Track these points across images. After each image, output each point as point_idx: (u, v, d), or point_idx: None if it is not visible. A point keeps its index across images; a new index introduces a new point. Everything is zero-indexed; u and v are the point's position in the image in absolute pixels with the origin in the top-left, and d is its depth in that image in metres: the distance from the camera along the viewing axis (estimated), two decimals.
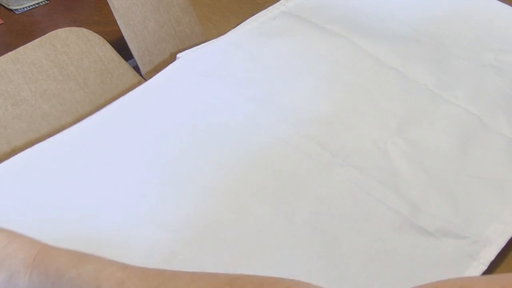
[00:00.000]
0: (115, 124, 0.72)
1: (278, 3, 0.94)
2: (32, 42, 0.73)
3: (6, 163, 0.67)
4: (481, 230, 0.63)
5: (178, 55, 0.82)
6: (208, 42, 0.85)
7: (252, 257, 0.60)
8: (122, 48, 0.80)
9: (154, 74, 0.80)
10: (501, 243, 0.62)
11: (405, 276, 0.59)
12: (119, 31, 0.79)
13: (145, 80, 0.81)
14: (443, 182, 0.68)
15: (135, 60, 0.81)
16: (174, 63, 0.81)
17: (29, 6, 0.98)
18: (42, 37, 0.74)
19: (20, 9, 0.97)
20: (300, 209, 0.65)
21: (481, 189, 0.68)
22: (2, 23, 0.95)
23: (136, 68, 0.81)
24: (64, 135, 0.70)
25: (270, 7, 0.93)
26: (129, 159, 0.69)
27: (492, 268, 0.61)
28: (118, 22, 0.79)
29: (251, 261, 0.60)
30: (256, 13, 0.92)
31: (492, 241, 0.62)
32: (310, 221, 0.63)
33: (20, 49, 0.72)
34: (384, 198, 0.66)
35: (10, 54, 0.72)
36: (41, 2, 0.99)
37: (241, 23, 0.90)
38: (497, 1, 0.95)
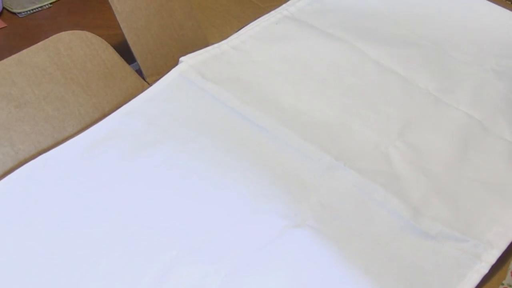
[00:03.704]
0: (117, 132, 0.73)
1: (280, 7, 0.94)
2: (35, 45, 0.74)
3: (11, 175, 0.67)
4: (483, 234, 0.64)
5: (180, 59, 0.82)
6: (211, 46, 0.85)
7: (253, 263, 0.60)
8: (125, 52, 0.80)
9: (157, 78, 0.80)
10: (502, 246, 0.63)
11: (406, 280, 0.60)
12: (122, 34, 0.80)
13: (148, 83, 0.81)
14: (444, 186, 0.69)
15: (138, 63, 0.81)
16: (176, 67, 0.81)
17: (32, 10, 0.98)
18: (46, 40, 0.74)
19: (24, 12, 0.98)
20: (302, 212, 0.65)
21: (482, 193, 0.68)
22: (6, 26, 0.95)
23: (139, 72, 0.82)
24: (67, 145, 0.71)
25: (273, 12, 0.93)
26: (129, 165, 0.69)
27: (493, 272, 0.61)
28: (121, 26, 0.79)
29: (253, 268, 0.60)
30: (259, 17, 0.92)
31: (493, 245, 0.62)
32: (312, 225, 0.64)
33: (24, 52, 0.73)
34: (385, 202, 0.66)
35: (14, 57, 0.72)
36: (45, 5, 0.99)
37: (243, 27, 0.90)
38: (499, 6, 0.96)
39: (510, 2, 0.98)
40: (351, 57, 0.85)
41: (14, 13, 0.97)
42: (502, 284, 0.60)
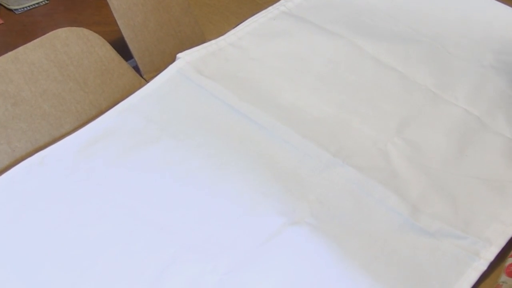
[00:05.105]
0: (114, 129, 0.72)
1: (278, 3, 0.94)
2: (32, 42, 0.73)
3: (8, 173, 0.67)
4: (481, 231, 0.63)
5: (178, 55, 0.82)
6: (208, 42, 0.85)
7: (251, 261, 0.60)
8: (122, 48, 0.80)
9: (154, 74, 0.80)
10: (501, 243, 0.63)
11: (405, 277, 0.59)
12: (119, 31, 0.79)
13: (145, 80, 0.81)
14: (443, 183, 0.68)
15: (135, 60, 0.81)
16: (174, 63, 0.81)
17: (29, 6, 0.98)
18: (42, 37, 0.74)
19: (20, 9, 0.97)
20: (300, 209, 0.65)
21: (480, 190, 0.68)
22: (2, 23, 0.94)
23: (136, 68, 0.81)
24: (64, 142, 0.71)
25: (270, 8, 0.93)
26: (127, 163, 0.69)
27: (492, 269, 0.61)
28: (118, 22, 0.79)
29: (251, 266, 0.60)
30: (256, 13, 0.92)
31: (492, 242, 0.62)
32: (310, 222, 0.63)
33: (20, 49, 0.72)
34: (384, 199, 0.66)
35: (10, 54, 0.72)
36: (41, 2, 0.99)
37: (241, 23, 0.90)
38: (497, 2, 0.95)
39: None
40: (350, 54, 0.85)
41: (10, 10, 0.97)
42: (497, 282, 0.60)
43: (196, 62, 0.81)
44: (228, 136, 0.72)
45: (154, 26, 0.82)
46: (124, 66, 0.80)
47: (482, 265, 0.60)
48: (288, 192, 0.66)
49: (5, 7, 0.97)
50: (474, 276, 0.60)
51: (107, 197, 0.65)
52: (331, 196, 0.66)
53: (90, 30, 0.78)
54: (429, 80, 0.82)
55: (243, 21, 0.90)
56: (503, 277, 0.60)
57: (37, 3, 0.99)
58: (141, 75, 0.81)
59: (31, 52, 0.73)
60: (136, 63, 0.81)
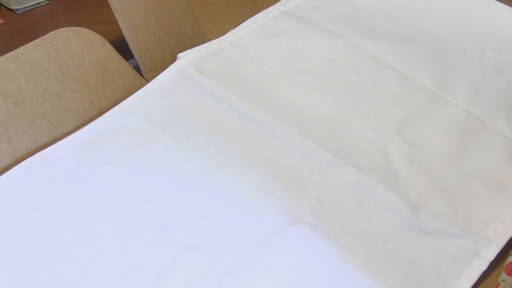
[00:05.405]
0: (115, 129, 0.73)
1: (278, 3, 0.94)
2: (33, 42, 0.73)
3: (9, 172, 0.67)
4: (481, 230, 0.64)
5: (178, 55, 0.82)
6: (209, 42, 0.85)
7: (252, 260, 0.60)
8: (122, 48, 0.80)
9: (155, 74, 0.80)
10: (501, 243, 0.63)
11: (405, 276, 0.60)
12: (119, 31, 0.79)
13: (146, 80, 0.81)
14: (443, 183, 0.68)
15: (135, 59, 0.81)
16: (174, 63, 0.81)
17: (30, 6, 0.98)
18: (43, 36, 0.74)
19: (21, 9, 0.97)
20: (301, 209, 0.65)
21: (481, 189, 0.68)
22: (3, 23, 0.95)
23: (137, 68, 0.82)
24: (64, 142, 0.71)
25: (271, 7, 0.93)
26: (127, 162, 0.69)
27: (492, 268, 0.61)
28: (119, 22, 0.79)
29: (252, 265, 0.60)
30: (257, 13, 0.92)
31: (492, 241, 0.62)
32: (310, 221, 0.64)
33: (21, 48, 0.72)
34: (384, 199, 0.66)
35: (11, 53, 0.72)
36: (42, 2, 0.99)
37: (241, 23, 0.90)
38: (497, 2, 0.95)
39: None
40: (350, 53, 0.85)
41: (11, 10, 0.97)
42: (497, 282, 0.60)
43: (196, 62, 0.81)
44: (228, 135, 0.72)
45: (154, 25, 0.83)
46: (124, 65, 0.80)
47: (482, 265, 0.61)
48: (288, 191, 0.66)
49: (6, 7, 0.97)
50: (474, 276, 0.60)
51: (108, 197, 0.65)
52: (331, 196, 0.66)
53: (91, 29, 0.78)
54: (429, 80, 0.82)
55: (244, 21, 0.90)
56: (503, 276, 0.60)
57: (37, 3, 0.99)
58: (141, 75, 0.82)
59: (32, 52, 0.73)
60: (136, 62, 0.81)
